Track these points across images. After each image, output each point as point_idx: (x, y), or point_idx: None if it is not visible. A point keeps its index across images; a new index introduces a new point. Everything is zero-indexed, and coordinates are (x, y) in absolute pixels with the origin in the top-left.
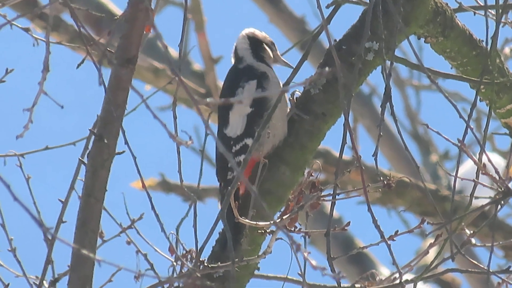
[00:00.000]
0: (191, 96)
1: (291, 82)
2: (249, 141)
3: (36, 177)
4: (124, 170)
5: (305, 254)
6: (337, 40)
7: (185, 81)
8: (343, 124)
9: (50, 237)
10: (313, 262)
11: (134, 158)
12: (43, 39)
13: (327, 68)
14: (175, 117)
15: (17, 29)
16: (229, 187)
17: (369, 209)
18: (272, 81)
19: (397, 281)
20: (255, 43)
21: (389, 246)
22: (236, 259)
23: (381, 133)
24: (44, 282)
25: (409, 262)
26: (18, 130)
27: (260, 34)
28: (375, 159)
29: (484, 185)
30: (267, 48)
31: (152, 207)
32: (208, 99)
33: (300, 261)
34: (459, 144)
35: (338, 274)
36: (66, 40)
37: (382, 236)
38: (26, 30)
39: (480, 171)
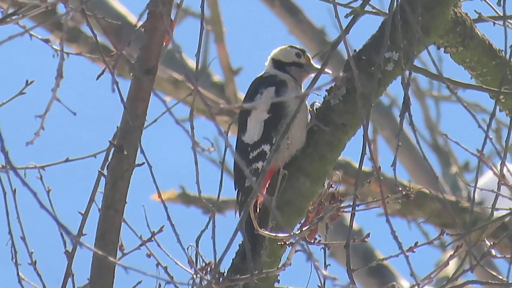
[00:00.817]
0: (205, 102)
1: (309, 89)
2: (266, 147)
3: (56, 189)
4: (144, 182)
5: (316, 264)
6: (357, 50)
7: (204, 92)
8: (363, 135)
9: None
10: (324, 272)
11: (150, 168)
12: (65, 51)
13: (341, 73)
14: (192, 127)
15: (36, 40)
16: (248, 198)
17: (388, 220)
18: (291, 89)
19: None
20: (280, 64)
21: (407, 257)
22: (256, 271)
23: (400, 144)
24: None
25: (429, 274)
26: (37, 141)
27: (284, 55)
28: (394, 169)
29: (504, 196)
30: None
31: (168, 218)
32: (221, 105)
33: (320, 273)
34: (478, 155)
35: (348, 286)
36: (86, 52)
37: (400, 247)
38: (46, 41)
39: (500, 182)
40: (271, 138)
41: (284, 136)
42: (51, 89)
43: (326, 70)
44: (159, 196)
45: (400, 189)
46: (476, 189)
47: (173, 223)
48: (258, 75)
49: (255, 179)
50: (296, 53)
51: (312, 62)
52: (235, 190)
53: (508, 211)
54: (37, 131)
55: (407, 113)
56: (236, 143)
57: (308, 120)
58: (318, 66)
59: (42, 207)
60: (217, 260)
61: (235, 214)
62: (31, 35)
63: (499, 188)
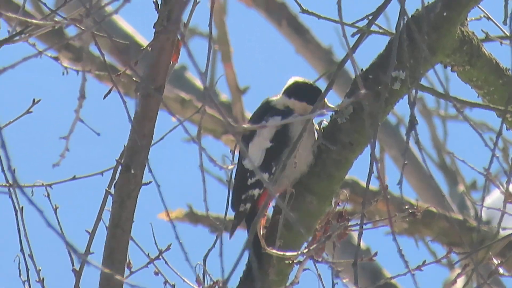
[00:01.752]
0: (226, 119)
1: (314, 113)
2: (265, 176)
3: (63, 207)
4: (151, 201)
5: (345, 280)
6: (364, 69)
7: (211, 112)
8: (370, 154)
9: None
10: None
11: (158, 187)
12: (73, 68)
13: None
14: (201, 147)
15: (43, 59)
16: (239, 222)
17: (394, 238)
18: (296, 118)
19: None
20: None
21: (413, 276)
22: None
23: (407, 162)
24: None
25: None
26: (47, 159)
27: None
28: (400, 188)
29: (510, 215)
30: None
31: (176, 237)
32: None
33: None
34: (485, 173)
35: None
36: (93, 71)
37: (406, 265)
38: (56, 59)
39: (507, 201)
40: (270, 167)
41: (291, 155)
42: (74, 110)
43: (328, 105)
44: (167, 214)
45: (407, 207)
46: (483, 208)
47: (181, 241)
48: (266, 100)
49: (266, 178)
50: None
51: (327, 101)
52: (233, 210)
53: None
54: (62, 153)
55: (413, 132)
56: (236, 166)
57: (315, 140)
58: (331, 106)
59: (49, 226)
60: (224, 278)
61: (229, 236)
62: (41, 54)
63: (505, 207)
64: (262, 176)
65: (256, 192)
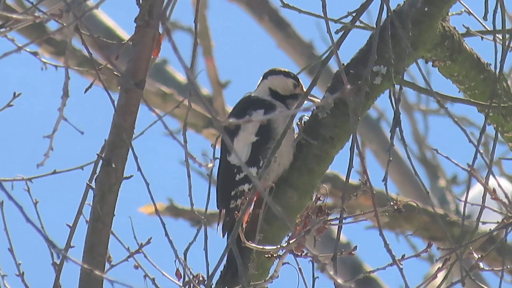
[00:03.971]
0: (213, 115)
1: (300, 107)
2: (253, 170)
3: (44, 201)
4: (132, 195)
5: (331, 273)
6: (345, 64)
7: (193, 105)
8: (350, 148)
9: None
10: (340, 280)
11: (148, 184)
12: (52, 63)
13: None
14: (185, 141)
15: (24, 53)
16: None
17: (381, 233)
18: (280, 113)
19: None
20: (277, 95)
21: (401, 270)
22: (244, 284)
23: (391, 159)
24: None
25: (417, 286)
26: (25, 153)
27: (283, 87)
28: (385, 184)
29: (493, 210)
30: (290, 100)
31: (165, 231)
32: (230, 119)
33: (309, 285)
34: (468, 169)
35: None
36: (74, 65)
37: (393, 259)
38: (35, 54)
39: (490, 196)
40: (258, 161)
41: (274, 152)
42: (58, 109)
43: (314, 98)
44: (155, 208)
45: (391, 203)
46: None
47: (168, 235)
48: (247, 95)
49: (254, 174)
50: (293, 84)
51: (304, 88)
52: (218, 210)
53: (497, 224)
54: (46, 152)
55: (397, 129)
56: (219, 163)
57: (295, 136)
58: (316, 100)
59: (28, 221)
60: (209, 272)
61: (221, 234)
62: (20, 49)
63: (484, 202)
64: (249, 171)
65: (246, 187)
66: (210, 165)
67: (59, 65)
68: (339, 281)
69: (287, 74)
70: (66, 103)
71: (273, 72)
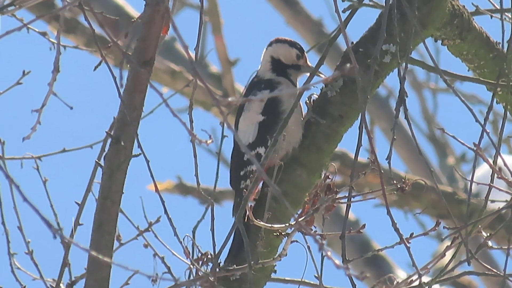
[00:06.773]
0: (212, 95)
1: (308, 84)
2: (261, 150)
3: (53, 179)
4: (141, 172)
5: (329, 254)
6: (354, 42)
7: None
8: (358, 127)
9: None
10: (337, 262)
11: (148, 162)
12: (61, 44)
13: (348, 65)
14: (191, 120)
15: (34, 32)
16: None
17: (388, 212)
18: (286, 90)
19: (416, 283)
20: (279, 64)
21: (408, 249)
22: (252, 262)
23: (397, 136)
24: (61, 285)
25: (426, 264)
26: (34, 132)
27: (285, 56)
28: (389, 163)
29: (499, 189)
30: (292, 70)
31: (165, 211)
32: (229, 98)
33: (317, 263)
34: (474, 148)
35: (362, 274)
36: (84, 43)
37: (401, 238)
38: (43, 34)
39: (496, 175)
40: (266, 140)
41: (282, 131)
42: (48, 83)
43: (320, 74)
44: (155, 187)
45: (396, 181)
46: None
47: (169, 216)
48: (254, 78)
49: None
50: (297, 54)
51: (308, 62)
52: (232, 189)
53: (505, 203)
54: (34, 126)
55: (402, 107)
56: (233, 143)
57: (303, 115)
58: (323, 76)
59: (25, 200)
60: (216, 250)
61: (232, 214)
62: (28, 28)
63: (493, 181)
64: (248, 151)
65: (254, 167)
66: (209, 141)
67: (68, 45)
68: (337, 262)
69: (292, 44)
70: (56, 78)
71: (278, 40)
